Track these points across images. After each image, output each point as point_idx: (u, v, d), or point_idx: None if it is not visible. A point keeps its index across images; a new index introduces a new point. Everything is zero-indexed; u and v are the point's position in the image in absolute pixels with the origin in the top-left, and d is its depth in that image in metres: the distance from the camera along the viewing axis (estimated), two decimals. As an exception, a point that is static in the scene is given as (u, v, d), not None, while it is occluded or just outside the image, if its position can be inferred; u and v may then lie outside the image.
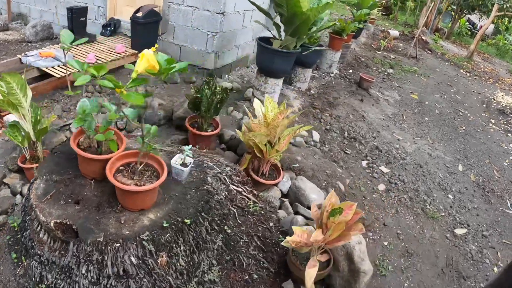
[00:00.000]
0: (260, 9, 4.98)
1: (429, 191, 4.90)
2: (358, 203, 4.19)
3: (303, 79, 6.48)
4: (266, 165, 3.74)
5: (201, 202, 2.75)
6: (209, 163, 3.17)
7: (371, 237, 3.86)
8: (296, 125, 5.12)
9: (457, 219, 4.60)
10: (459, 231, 4.41)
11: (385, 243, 3.87)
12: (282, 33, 5.10)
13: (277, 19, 5.01)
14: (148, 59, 2.00)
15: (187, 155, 2.81)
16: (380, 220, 4.13)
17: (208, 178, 2.96)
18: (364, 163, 5.09)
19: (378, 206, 4.32)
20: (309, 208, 3.61)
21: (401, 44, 13.77)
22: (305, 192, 3.77)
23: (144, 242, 2.41)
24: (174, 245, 2.54)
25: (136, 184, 2.51)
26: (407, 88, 8.79)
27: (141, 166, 2.59)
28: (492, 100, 10.21)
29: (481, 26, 25.50)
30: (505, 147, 7.21)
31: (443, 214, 4.59)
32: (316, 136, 5.26)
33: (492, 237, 4.53)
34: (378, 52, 11.38)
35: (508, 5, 14.92)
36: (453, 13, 21.16)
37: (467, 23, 24.36)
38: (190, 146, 2.87)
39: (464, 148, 6.59)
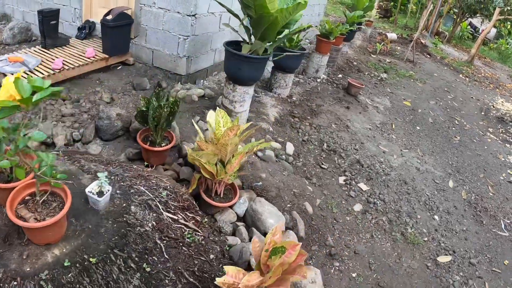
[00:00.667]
0: (229, 10, 4.48)
1: (412, 212, 4.38)
2: (327, 228, 3.68)
3: (283, 85, 5.97)
4: (220, 185, 3.24)
5: (116, 236, 2.29)
6: (141, 188, 2.69)
7: (337, 268, 3.36)
8: (269, 136, 4.63)
9: (442, 244, 4.07)
10: (443, 259, 3.88)
11: (354, 275, 3.36)
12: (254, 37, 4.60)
13: (246, 22, 4.50)
14: (7, 89, 1.52)
15: (104, 183, 2.32)
16: (351, 247, 3.61)
17: (132, 207, 2.48)
18: (341, 179, 4.58)
19: (350, 230, 3.81)
20: (265, 234, 3.11)
21: (398, 48, 13.23)
22: (262, 217, 3.27)
23: (42, 282, 2.02)
24: (78, 286, 2.09)
25: (36, 218, 2.14)
26: (401, 94, 8.25)
27: (45, 196, 2.18)
28: (491, 107, 9.65)
29: (483, 30, 24.96)
30: (503, 159, 6.67)
31: (426, 239, 4.06)
32: (290, 148, 4.75)
33: (480, 265, 4.00)
34: (373, 55, 10.84)
35: (509, 8, 14.30)
36: (455, 17, 20.57)
37: (468, 26, 23.77)
38: (106, 173, 2.38)
39: (457, 161, 6.05)
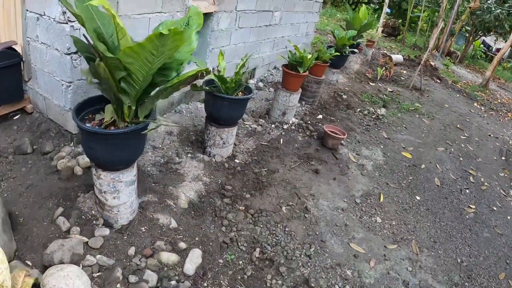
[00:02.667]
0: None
1: None
2: None
3: (220, 143, 3.90)
4: None
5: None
6: None
7: None
8: (160, 243, 2.58)
9: None
10: None
11: None
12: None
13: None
14: None
15: None
16: None
17: None
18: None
19: None
20: None
21: (404, 72, 11.03)
22: None
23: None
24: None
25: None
26: (400, 140, 6.09)
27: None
28: (513, 148, 7.43)
29: (497, 49, 22.48)
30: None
31: None
32: (194, 261, 2.71)
33: None
34: (371, 83, 8.67)
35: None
36: (467, 35, 18.25)
37: (481, 45, 21.38)
38: None
39: (469, 255, 3.92)
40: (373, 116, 6.64)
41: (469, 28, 17.01)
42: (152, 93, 2.47)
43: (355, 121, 6.16)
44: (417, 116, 7.51)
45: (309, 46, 8.80)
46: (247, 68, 6.15)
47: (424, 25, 18.95)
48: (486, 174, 6.06)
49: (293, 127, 5.23)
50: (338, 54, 6.20)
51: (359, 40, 8.41)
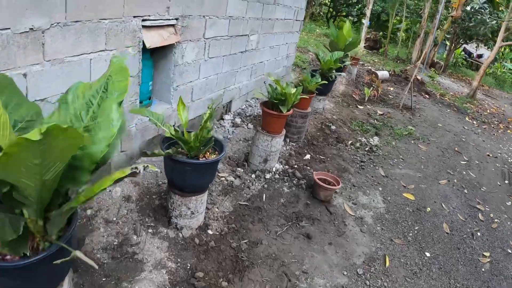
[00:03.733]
0: None
1: None
2: None
3: (187, 214, 3.08)
4: None
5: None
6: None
7: None
8: None
9: None
10: None
11: None
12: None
13: None
14: None
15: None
16: None
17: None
18: None
19: None
20: None
21: (391, 89, 10.35)
22: None
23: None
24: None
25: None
26: (399, 175, 5.33)
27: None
28: (514, 167, 6.78)
29: (478, 55, 22.02)
30: None
31: None
32: None
33: None
34: (360, 106, 7.93)
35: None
36: (448, 43, 17.74)
37: (462, 52, 20.94)
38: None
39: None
40: (367, 149, 5.86)
41: (450, 37, 16.48)
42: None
43: (348, 158, 5.37)
44: (412, 142, 6.76)
45: (290, 69, 8.04)
46: (220, 103, 5.35)
47: (403, 34, 18.40)
48: (494, 206, 5.34)
49: (277, 176, 4.41)
50: (328, 80, 5.45)
51: (345, 61, 7.69)
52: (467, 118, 9.75)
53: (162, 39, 3.55)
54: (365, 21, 14.22)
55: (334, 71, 6.30)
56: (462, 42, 17.01)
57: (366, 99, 8.48)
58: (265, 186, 4.13)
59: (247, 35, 5.66)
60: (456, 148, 7.10)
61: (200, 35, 4.35)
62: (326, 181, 4.23)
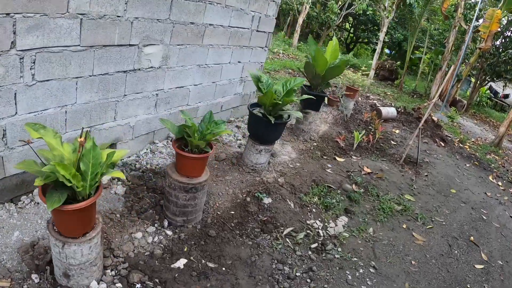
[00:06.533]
0: None
1: None
2: None
3: None
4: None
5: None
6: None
7: None
8: None
9: None
10: None
11: None
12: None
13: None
14: None
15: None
16: None
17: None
18: None
19: None
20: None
21: (396, 132, 7.72)
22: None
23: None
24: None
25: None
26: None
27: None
28: None
29: (504, 95, 18.89)
30: None
31: None
32: None
33: None
34: (339, 159, 5.36)
35: None
36: (473, 79, 14.90)
37: (488, 91, 17.90)
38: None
39: None
40: (314, 245, 3.30)
41: (476, 72, 13.68)
42: None
43: (264, 269, 2.82)
44: (404, 226, 4.16)
45: (249, 99, 5.60)
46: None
47: (426, 67, 15.64)
48: None
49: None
50: (229, 132, 3.00)
51: (314, 95, 5.16)
52: (490, 178, 7.00)
53: None
54: (379, 46, 11.67)
55: (286, 109, 3.80)
56: (489, 79, 14.18)
57: (355, 146, 5.90)
58: None
59: (136, 45, 3.26)
60: (471, 237, 4.44)
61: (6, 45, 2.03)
62: None
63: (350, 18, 22.93)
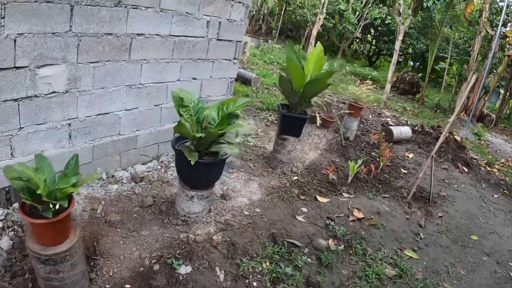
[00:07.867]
0: None
1: None
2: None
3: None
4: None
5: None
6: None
7: None
8: None
9: None
10: None
11: None
12: None
13: None
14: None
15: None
16: None
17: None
18: None
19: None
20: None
21: (410, 156, 6.45)
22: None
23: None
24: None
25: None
26: None
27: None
28: None
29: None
30: None
31: None
32: None
33: None
34: (322, 199, 4.16)
35: None
36: (502, 91, 13.24)
37: (518, 104, 15.95)
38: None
39: None
40: None
41: (505, 83, 12.08)
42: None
43: None
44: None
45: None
46: None
47: (452, 79, 14.11)
48: None
49: None
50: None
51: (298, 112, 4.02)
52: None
53: None
54: (394, 58, 10.39)
55: (230, 138, 2.69)
56: (520, 90, 12.53)
57: (350, 179, 4.69)
58: None
59: (26, 67, 2.35)
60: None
61: None
62: None
63: (372, 30, 21.53)
